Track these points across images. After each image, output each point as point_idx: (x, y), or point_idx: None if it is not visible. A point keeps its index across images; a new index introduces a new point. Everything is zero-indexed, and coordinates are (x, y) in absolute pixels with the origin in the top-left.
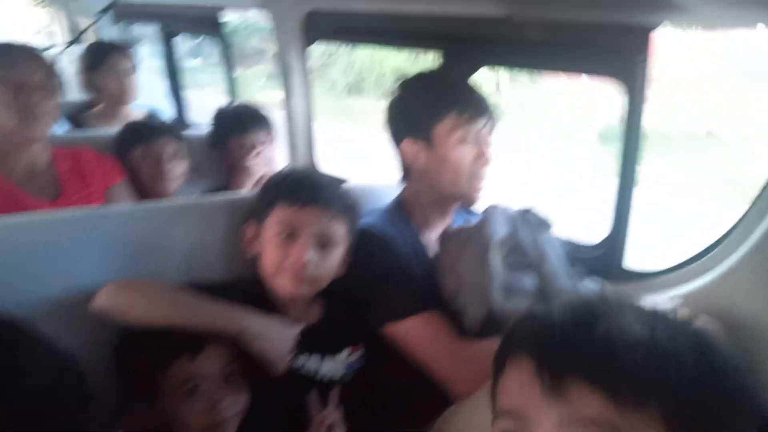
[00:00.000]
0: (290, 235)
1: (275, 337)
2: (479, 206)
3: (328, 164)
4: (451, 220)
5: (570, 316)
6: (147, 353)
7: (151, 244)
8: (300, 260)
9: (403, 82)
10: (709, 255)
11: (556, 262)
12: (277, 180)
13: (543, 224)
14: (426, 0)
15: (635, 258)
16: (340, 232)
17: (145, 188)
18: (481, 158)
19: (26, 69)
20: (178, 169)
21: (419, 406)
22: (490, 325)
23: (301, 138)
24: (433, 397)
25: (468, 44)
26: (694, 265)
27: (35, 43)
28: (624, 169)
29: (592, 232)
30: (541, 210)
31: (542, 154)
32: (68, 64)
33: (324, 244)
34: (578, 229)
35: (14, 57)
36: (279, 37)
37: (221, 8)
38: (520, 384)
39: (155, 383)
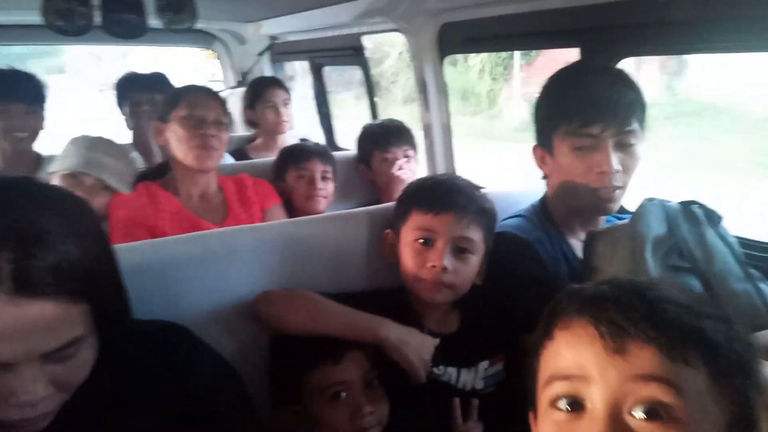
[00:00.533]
0: (427, 241)
1: (416, 345)
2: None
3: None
4: (599, 222)
5: (619, 286)
6: (293, 359)
7: (300, 256)
8: (438, 265)
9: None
10: None
11: (726, 261)
12: (413, 187)
13: (710, 219)
14: None
15: None
16: (476, 237)
17: (298, 207)
18: (596, 168)
19: (204, 108)
20: (328, 188)
21: None
22: None
23: (440, 150)
24: None
25: (609, 34)
26: None
27: (210, 87)
28: None
29: None
30: (708, 203)
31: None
32: (234, 104)
33: (461, 249)
34: (753, 225)
35: (194, 97)
36: (414, 54)
37: (361, 35)
38: (579, 346)
39: (301, 388)
